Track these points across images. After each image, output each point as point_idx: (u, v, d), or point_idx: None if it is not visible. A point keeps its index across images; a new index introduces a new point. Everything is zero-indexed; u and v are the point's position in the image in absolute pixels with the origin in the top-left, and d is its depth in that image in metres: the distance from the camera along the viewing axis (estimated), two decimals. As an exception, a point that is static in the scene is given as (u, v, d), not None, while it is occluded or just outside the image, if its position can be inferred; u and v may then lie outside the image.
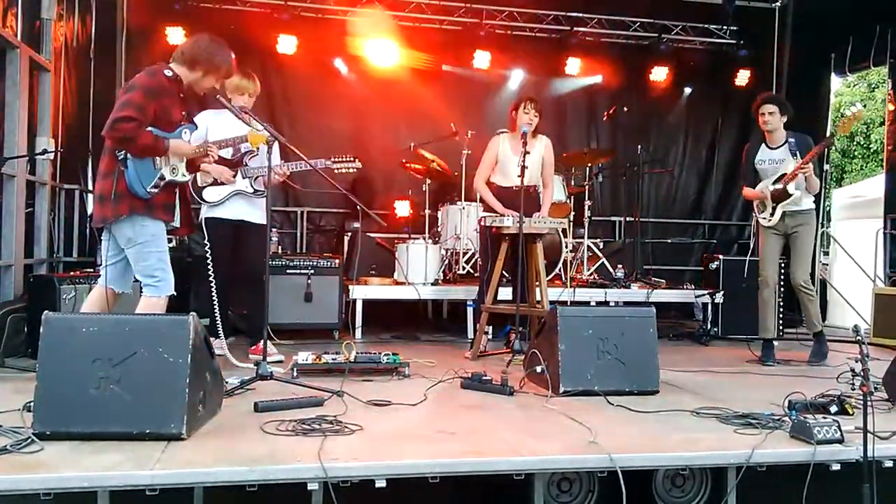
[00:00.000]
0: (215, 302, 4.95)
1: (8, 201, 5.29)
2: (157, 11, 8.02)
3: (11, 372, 4.52)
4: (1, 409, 3.33)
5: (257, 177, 5.12)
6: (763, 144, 5.63)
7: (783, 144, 5.57)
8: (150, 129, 3.79)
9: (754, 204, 5.73)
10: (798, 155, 5.44)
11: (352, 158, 5.13)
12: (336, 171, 5.10)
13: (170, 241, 6.58)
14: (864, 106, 20.80)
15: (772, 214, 5.55)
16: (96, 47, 7.24)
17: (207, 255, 4.97)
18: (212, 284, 4.89)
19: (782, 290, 6.29)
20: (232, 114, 4.31)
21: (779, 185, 5.49)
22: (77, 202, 6.87)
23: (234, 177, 5.04)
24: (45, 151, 5.73)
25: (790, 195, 5.46)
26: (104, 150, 3.86)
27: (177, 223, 4.10)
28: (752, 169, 5.69)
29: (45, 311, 3.13)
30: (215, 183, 5.01)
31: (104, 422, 2.95)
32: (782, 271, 5.91)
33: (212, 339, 5.00)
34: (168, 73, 3.91)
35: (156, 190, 3.85)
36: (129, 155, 3.77)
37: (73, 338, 3.04)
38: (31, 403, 3.02)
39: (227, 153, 4.96)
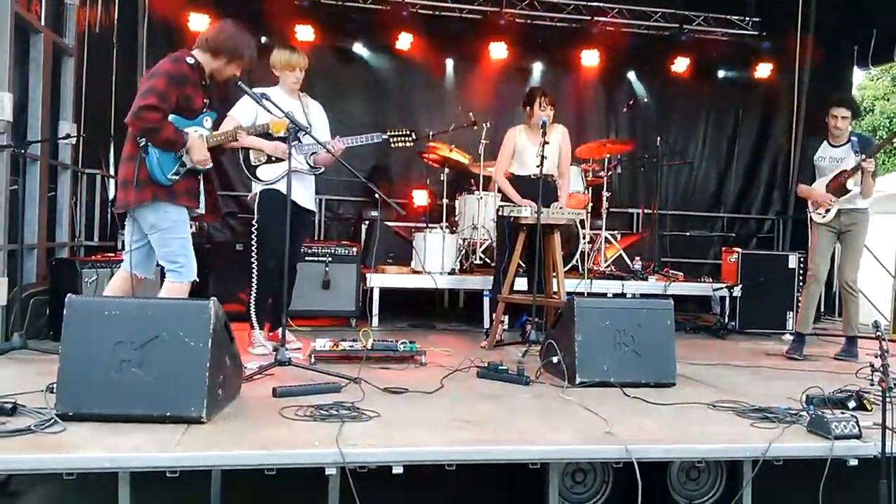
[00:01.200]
0: (255, 288, 4.87)
1: (30, 185, 5.34)
2: (179, -3, 8.06)
3: (34, 354, 4.57)
4: (24, 391, 3.37)
5: (312, 153, 5.00)
6: (825, 141, 5.59)
7: (846, 143, 5.49)
8: (172, 117, 3.82)
9: (809, 202, 5.68)
10: (860, 154, 5.34)
11: (408, 132, 5.07)
12: (392, 144, 5.05)
13: (190, 226, 6.66)
14: (888, 100, 20.57)
15: (827, 211, 5.51)
16: (119, 33, 7.28)
17: (253, 236, 4.86)
18: (255, 267, 4.84)
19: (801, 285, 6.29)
20: (253, 100, 4.30)
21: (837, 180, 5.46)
22: (98, 187, 6.94)
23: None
24: (67, 136, 5.77)
25: (848, 191, 5.40)
26: (127, 136, 3.90)
27: (202, 210, 4.12)
28: (811, 165, 5.65)
29: (69, 294, 3.17)
30: (269, 161, 4.95)
31: (125, 404, 2.98)
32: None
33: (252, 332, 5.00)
34: (191, 60, 3.92)
35: (176, 177, 3.88)
36: (149, 142, 3.81)
37: (96, 321, 3.08)
38: (54, 385, 3.06)
39: None
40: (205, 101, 4.02)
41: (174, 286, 3.91)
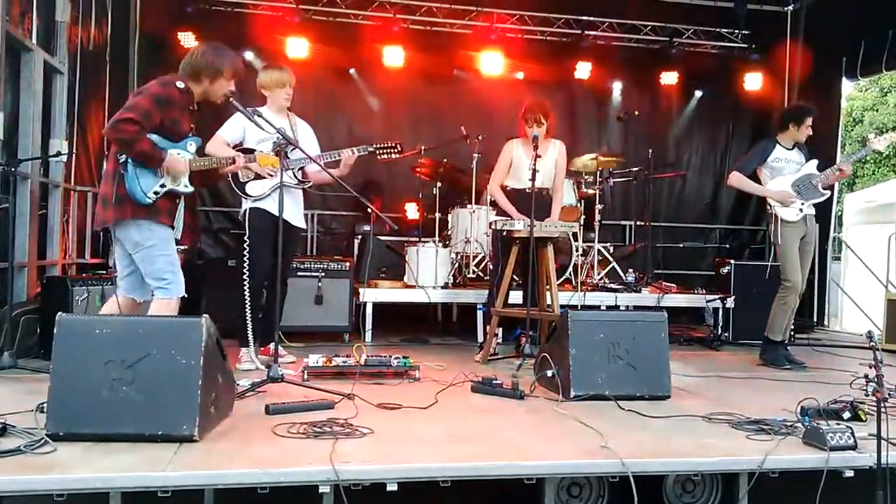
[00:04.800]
0: (248, 304, 4.88)
1: (21, 203, 5.31)
2: (170, 15, 8.07)
3: (24, 373, 4.54)
4: (14, 410, 3.34)
5: (300, 168, 5.05)
6: (777, 145, 5.65)
7: (795, 147, 5.69)
8: (156, 138, 3.81)
9: (774, 201, 5.62)
10: (808, 157, 5.68)
11: (394, 144, 5.11)
12: (379, 156, 5.09)
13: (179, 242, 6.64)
14: (877, 111, 20.72)
15: (801, 210, 5.56)
16: (111, 50, 7.29)
17: (245, 251, 4.87)
18: (245, 283, 4.85)
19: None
20: (245, 116, 4.31)
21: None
22: (90, 204, 6.91)
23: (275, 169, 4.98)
24: (58, 153, 5.76)
25: (822, 194, 5.62)
26: (109, 153, 3.91)
27: (177, 234, 4.10)
28: (753, 163, 5.71)
29: (59, 313, 3.14)
30: (258, 177, 4.96)
31: (117, 423, 2.96)
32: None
33: (241, 348, 4.99)
34: (180, 84, 3.93)
35: (156, 196, 3.86)
36: (129, 159, 3.80)
37: (87, 339, 3.06)
38: (45, 404, 3.04)
39: (266, 147, 4.94)
40: (191, 125, 4.04)
41: (163, 303, 3.87)
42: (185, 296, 3.96)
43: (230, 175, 4.98)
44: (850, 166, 5.72)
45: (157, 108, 3.80)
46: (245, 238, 4.94)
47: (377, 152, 5.08)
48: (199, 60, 3.99)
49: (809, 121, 5.61)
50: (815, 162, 5.66)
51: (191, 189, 4.03)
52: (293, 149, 4.58)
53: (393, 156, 5.15)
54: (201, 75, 3.99)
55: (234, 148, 4.90)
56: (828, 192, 5.72)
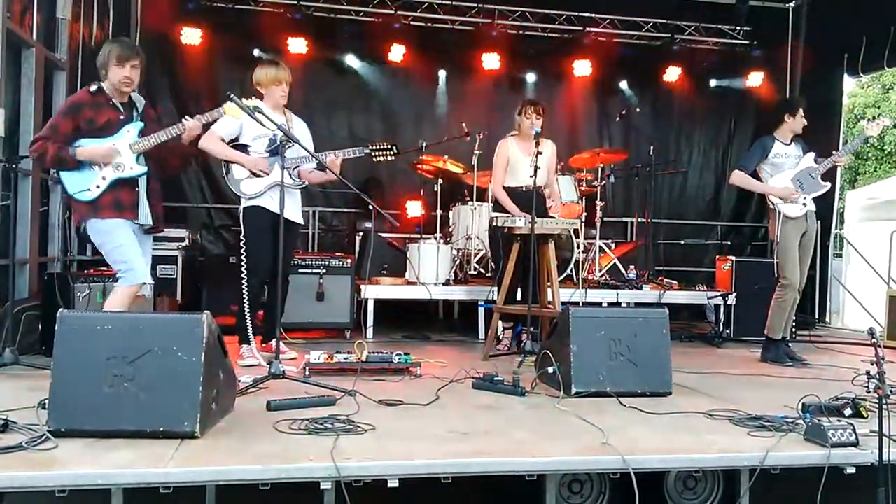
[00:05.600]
0: (246, 302, 4.87)
1: (22, 200, 5.30)
2: (172, 11, 8.06)
3: (26, 369, 4.53)
4: (16, 407, 3.34)
5: (296, 167, 5.02)
6: (776, 140, 5.64)
7: (792, 142, 5.69)
8: (85, 140, 4.08)
9: (777, 198, 5.58)
10: (807, 152, 5.68)
11: (389, 146, 5.07)
12: (374, 158, 5.06)
13: (185, 241, 6.65)
14: (878, 108, 20.69)
15: (804, 205, 5.56)
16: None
17: (242, 250, 4.87)
18: (244, 282, 4.84)
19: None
20: (246, 112, 4.31)
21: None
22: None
23: (271, 168, 4.93)
24: (59, 150, 5.76)
25: (823, 186, 5.63)
26: None
27: (143, 221, 4.27)
28: (754, 161, 5.68)
29: (61, 309, 3.14)
30: (253, 175, 4.97)
31: (118, 420, 2.96)
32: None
33: (242, 345, 4.99)
34: (92, 88, 4.21)
35: (99, 190, 4.08)
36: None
37: (88, 336, 3.06)
38: (46, 401, 3.04)
39: (262, 145, 4.92)
40: (121, 116, 4.24)
41: (119, 290, 4.15)
42: (152, 283, 4.20)
43: (225, 173, 4.99)
44: (847, 156, 5.83)
45: (65, 118, 4.11)
46: (242, 236, 4.94)
47: (373, 154, 5.05)
48: (97, 61, 4.27)
49: (802, 110, 5.63)
50: (812, 154, 5.66)
51: (142, 169, 4.23)
52: (291, 146, 4.55)
53: (389, 157, 5.11)
54: (99, 70, 4.24)
55: (229, 144, 4.91)
56: (828, 184, 5.72)
